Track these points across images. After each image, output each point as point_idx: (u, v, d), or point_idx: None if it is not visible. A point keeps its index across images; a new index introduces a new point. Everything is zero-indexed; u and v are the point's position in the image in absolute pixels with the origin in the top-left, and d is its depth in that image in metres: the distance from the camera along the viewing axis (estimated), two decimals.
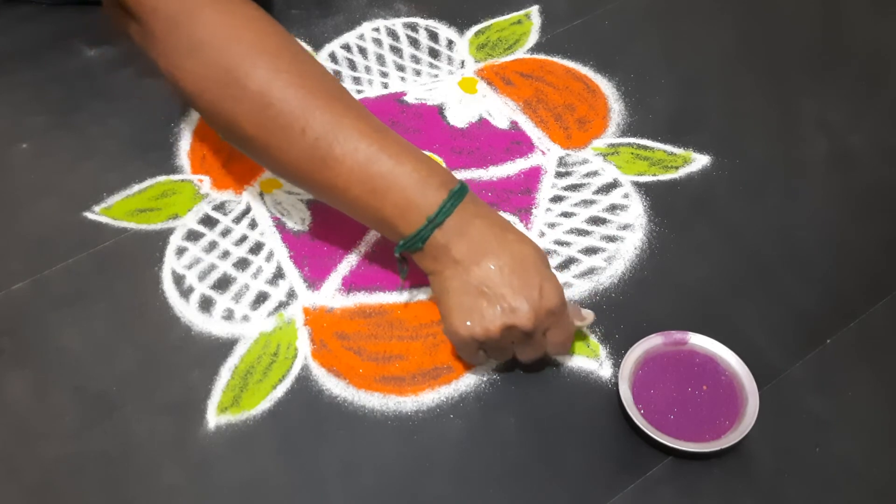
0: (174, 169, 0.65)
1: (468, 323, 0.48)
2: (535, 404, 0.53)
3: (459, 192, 0.49)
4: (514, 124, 0.69)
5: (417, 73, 0.73)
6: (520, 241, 0.49)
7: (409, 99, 0.71)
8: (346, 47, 0.74)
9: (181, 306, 0.57)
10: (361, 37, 0.76)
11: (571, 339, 0.52)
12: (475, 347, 0.50)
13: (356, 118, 0.49)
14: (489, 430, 0.52)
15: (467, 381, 0.54)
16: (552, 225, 0.62)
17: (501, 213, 0.62)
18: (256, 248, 0.60)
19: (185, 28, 0.50)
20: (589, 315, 0.52)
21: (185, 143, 0.67)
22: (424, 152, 0.50)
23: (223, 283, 0.58)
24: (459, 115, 0.69)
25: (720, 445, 0.49)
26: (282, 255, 0.60)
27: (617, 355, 0.55)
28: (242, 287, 0.58)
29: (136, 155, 0.65)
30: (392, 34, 0.76)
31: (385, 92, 0.71)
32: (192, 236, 0.61)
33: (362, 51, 0.74)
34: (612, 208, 0.63)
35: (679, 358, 0.54)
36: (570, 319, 0.51)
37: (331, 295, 0.58)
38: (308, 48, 0.74)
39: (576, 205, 0.63)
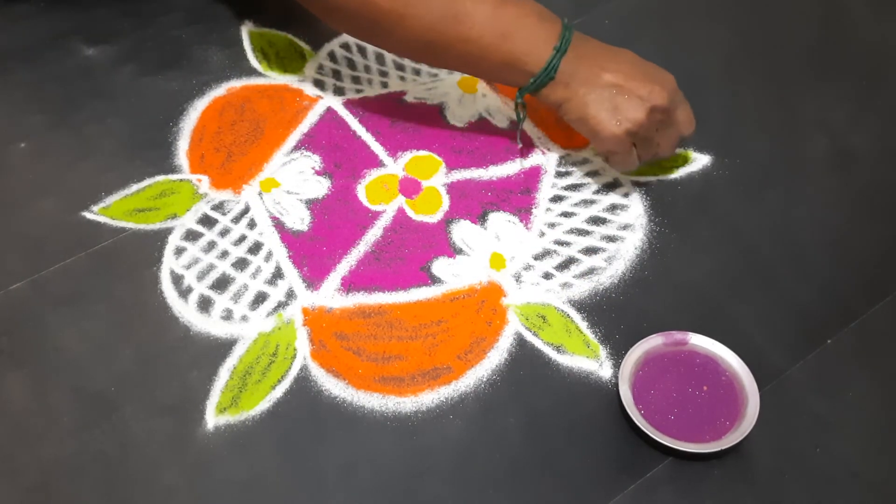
0: (173, 168, 0.65)
1: (617, 122, 0.56)
2: (535, 405, 0.53)
3: (568, 23, 0.57)
4: (513, 124, 0.69)
5: (417, 72, 0.73)
6: (618, 48, 0.59)
7: (409, 98, 0.70)
8: (346, 46, 0.74)
9: (180, 306, 0.57)
10: None
11: (693, 119, 0.59)
12: (629, 144, 0.57)
13: None
14: (489, 430, 0.51)
15: (467, 382, 0.53)
16: (552, 225, 0.62)
17: (501, 214, 0.62)
18: (255, 248, 0.60)
19: None
20: None
21: (183, 143, 0.66)
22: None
23: (222, 283, 0.58)
24: (459, 115, 0.69)
25: (721, 446, 0.49)
26: (281, 254, 0.60)
27: (617, 356, 0.55)
28: (241, 287, 0.58)
29: (134, 154, 0.65)
30: None
31: (384, 91, 0.71)
32: (191, 236, 0.60)
33: (362, 50, 0.74)
34: (613, 208, 0.63)
35: (679, 358, 0.54)
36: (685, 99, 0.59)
37: (330, 295, 0.58)
38: (307, 47, 0.74)
39: (576, 204, 0.63)
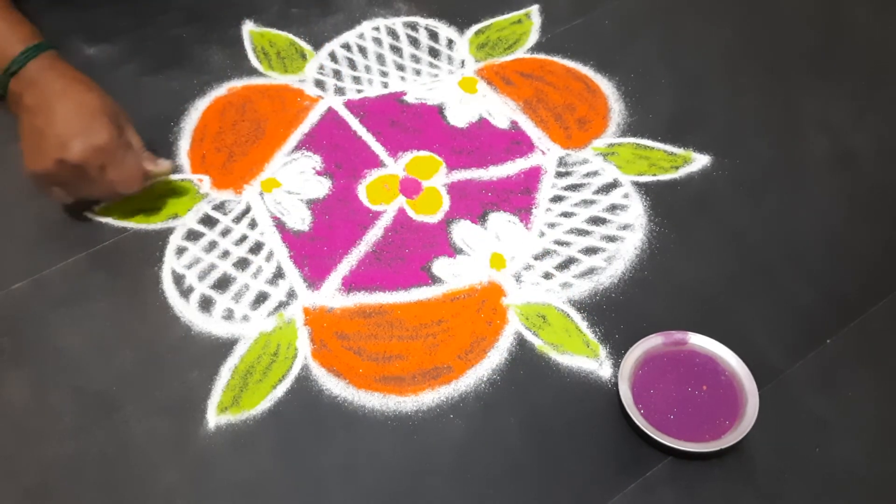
0: (174, 168, 0.64)
1: (32, 161, 0.56)
2: (535, 404, 0.53)
3: (37, 48, 0.56)
4: (514, 124, 0.69)
5: (417, 72, 0.73)
6: (87, 90, 0.57)
7: (409, 98, 0.70)
8: (346, 46, 0.74)
9: (181, 306, 0.57)
10: (361, 36, 0.75)
11: (137, 180, 0.58)
12: (46, 182, 0.57)
13: None
14: (489, 430, 0.52)
15: (467, 382, 0.54)
16: (552, 225, 0.62)
17: (501, 214, 0.63)
18: (256, 248, 0.60)
19: None
20: (164, 164, 0.60)
21: (184, 143, 0.66)
22: (18, 13, 0.59)
23: (223, 283, 0.58)
24: (459, 115, 0.69)
25: (720, 445, 0.49)
26: (282, 254, 0.60)
27: (617, 355, 0.55)
28: (242, 287, 0.58)
29: None
30: (392, 33, 0.76)
31: (385, 91, 0.71)
32: (192, 236, 0.61)
33: (362, 50, 0.74)
34: (613, 208, 0.63)
35: (679, 358, 0.54)
36: (133, 161, 0.57)
37: (331, 295, 0.58)
38: (308, 47, 0.74)
39: (576, 205, 0.63)
